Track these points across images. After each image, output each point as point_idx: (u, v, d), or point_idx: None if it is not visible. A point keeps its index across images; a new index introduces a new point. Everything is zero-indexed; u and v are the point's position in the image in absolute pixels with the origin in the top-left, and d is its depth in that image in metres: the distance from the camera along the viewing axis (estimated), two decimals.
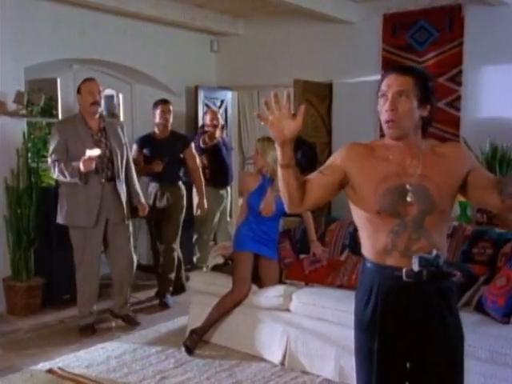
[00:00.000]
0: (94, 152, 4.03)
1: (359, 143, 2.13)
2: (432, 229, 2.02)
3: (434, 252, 1.99)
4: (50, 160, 4.26)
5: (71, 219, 4.28)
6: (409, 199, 2.00)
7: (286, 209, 2.14)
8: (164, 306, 5.11)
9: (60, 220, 4.34)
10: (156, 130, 5.20)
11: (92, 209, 4.22)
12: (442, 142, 2.16)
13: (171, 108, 5.18)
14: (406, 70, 2.07)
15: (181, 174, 5.24)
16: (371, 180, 2.03)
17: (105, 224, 4.31)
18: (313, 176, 2.12)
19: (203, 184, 5.29)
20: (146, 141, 5.16)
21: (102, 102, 4.39)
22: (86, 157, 4.01)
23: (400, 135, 2.01)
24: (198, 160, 5.29)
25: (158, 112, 5.14)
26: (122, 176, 4.39)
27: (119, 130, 4.44)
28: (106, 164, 4.28)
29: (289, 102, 1.94)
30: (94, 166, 4.06)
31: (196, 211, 5.35)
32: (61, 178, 4.20)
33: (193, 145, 5.31)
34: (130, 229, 4.51)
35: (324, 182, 2.09)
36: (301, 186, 2.05)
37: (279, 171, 2.04)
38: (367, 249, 2.10)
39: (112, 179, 4.31)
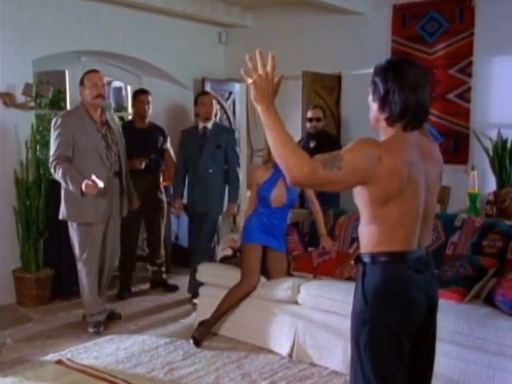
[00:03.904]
0: (100, 183, 3.89)
1: None
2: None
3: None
4: (52, 156, 4.05)
5: (78, 216, 4.12)
6: None
7: None
8: (172, 288, 5.22)
9: (64, 217, 4.17)
10: (134, 119, 5.22)
11: (100, 205, 4.10)
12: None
13: (150, 98, 5.20)
14: None
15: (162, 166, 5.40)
16: None
17: (107, 219, 4.21)
18: None
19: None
20: (124, 129, 4.76)
21: (110, 94, 4.35)
22: (90, 182, 3.88)
23: None
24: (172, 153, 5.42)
25: (137, 102, 5.19)
26: (125, 170, 4.35)
27: (116, 121, 4.43)
28: (114, 158, 4.21)
29: (273, 66, 1.88)
30: (96, 192, 3.91)
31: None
32: (61, 181, 4.06)
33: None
34: None
35: None
36: None
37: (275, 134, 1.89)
38: None
39: (118, 173, 4.25)
